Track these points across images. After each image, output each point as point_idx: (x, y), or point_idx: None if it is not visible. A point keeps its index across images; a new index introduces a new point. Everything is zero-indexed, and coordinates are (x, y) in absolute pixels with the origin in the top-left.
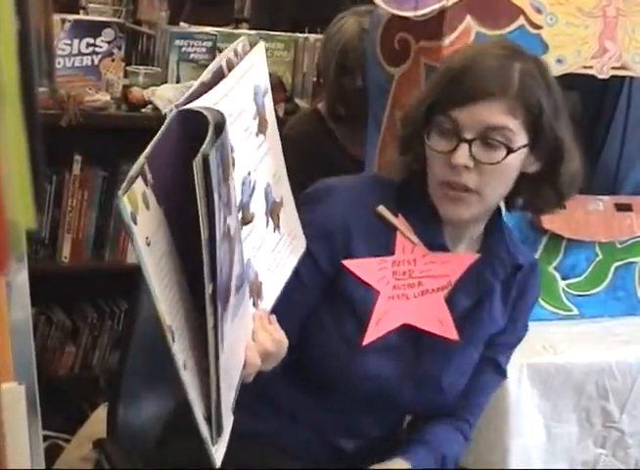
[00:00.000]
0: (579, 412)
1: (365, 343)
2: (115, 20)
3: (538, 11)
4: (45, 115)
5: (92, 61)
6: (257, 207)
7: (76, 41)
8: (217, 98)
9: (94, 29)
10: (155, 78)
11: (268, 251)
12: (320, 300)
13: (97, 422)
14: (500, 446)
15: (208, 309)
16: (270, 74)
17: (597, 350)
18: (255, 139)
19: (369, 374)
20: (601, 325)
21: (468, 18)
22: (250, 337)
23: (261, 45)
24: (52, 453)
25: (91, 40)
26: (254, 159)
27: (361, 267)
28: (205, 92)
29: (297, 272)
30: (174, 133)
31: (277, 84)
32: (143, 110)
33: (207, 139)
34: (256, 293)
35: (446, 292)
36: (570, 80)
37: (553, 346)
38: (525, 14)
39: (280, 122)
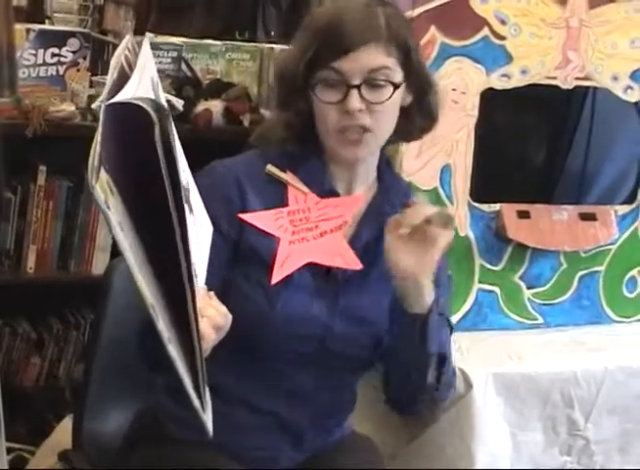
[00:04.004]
0: (545, 421)
1: (273, 281)
2: (81, 29)
3: (502, 22)
4: (10, 125)
5: (57, 71)
6: None
7: (41, 51)
8: (133, 91)
9: (59, 39)
10: None
11: (191, 233)
12: (230, 268)
13: (62, 433)
14: (466, 455)
15: (185, 276)
16: (236, 85)
17: (562, 358)
18: None
19: (293, 314)
20: (566, 334)
21: (432, 28)
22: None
23: (146, 40)
24: (17, 465)
25: (56, 50)
26: None
27: (259, 219)
28: (121, 87)
29: None
30: (109, 127)
31: (242, 94)
32: None
33: (155, 120)
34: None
35: (348, 230)
36: (534, 91)
37: (518, 355)
38: (490, 24)
39: (245, 133)
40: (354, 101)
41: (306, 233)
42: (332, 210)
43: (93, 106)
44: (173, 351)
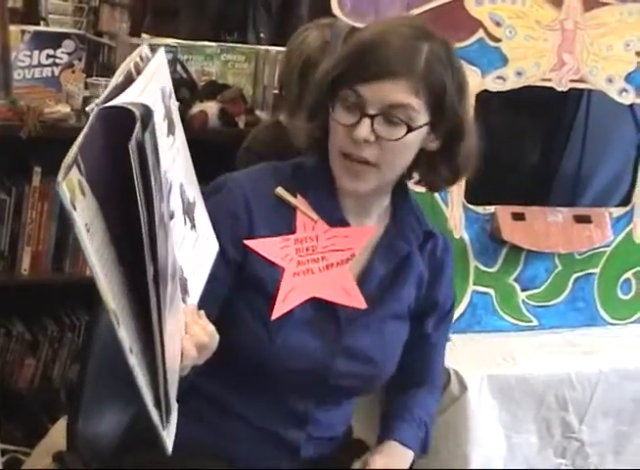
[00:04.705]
0: (539, 423)
1: (274, 317)
2: (76, 31)
3: (497, 24)
4: (4, 126)
5: (52, 72)
6: (176, 205)
7: (36, 52)
8: (133, 97)
9: (54, 40)
10: None
11: (189, 248)
12: (232, 291)
13: (57, 435)
14: (461, 457)
15: (152, 291)
16: (231, 86)
17: (557, 360)
18: (167, 140)
19: (293, 350)
20: (560, 336)
21: None
22: (183, 330)
23: (162, 50)
24: (12, 467)
25: (51, 51)
26: (168, 159)
27: (264, 246)
28: (120, 93)
29: None
30: (99, 130)
31: (238, 96)
32: None
33: (138, 125)
34: (183, 288)
35: (358, 264)
36: (529, 93)
37: (513, 357)
38: (485, 27)
39: (240, 134)
40: (363, 130)
41: (312, 264)
42: (340, 240)
43: (87, 108)
44: (134, 361)
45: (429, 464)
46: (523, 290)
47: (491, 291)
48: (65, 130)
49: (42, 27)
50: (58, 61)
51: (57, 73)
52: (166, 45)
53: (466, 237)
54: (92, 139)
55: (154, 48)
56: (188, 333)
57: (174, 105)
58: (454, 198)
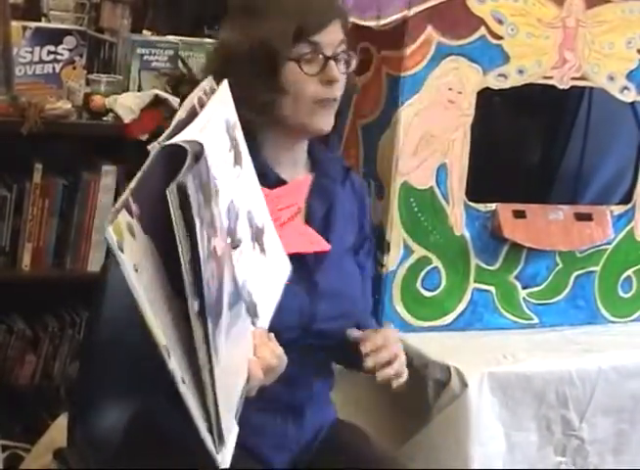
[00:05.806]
0: (539, 421)
1: None
2: (77, 27)
3: (499, 21)
4: (6, 122)
5: (53, 68)
6: (243, 232)
7: (37, 49)
8: (196, 132)
9: (55, 37)
10: (116, 87)
11: (258, 273)
12: None
13: (57, 432)
14: (461, 455)
15: (195, 324)
16: None
17: (557, 358)
18: (233, 170)
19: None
20: (561, 334)
21: (429, 28)
22: (251, 353)
23: (226, 83)
24: (12, 463)
25: (52, 48)
26: (235, 188)
27: None
28: (183, 128)
29: None
30: (158, 167)
31: None
32: (104, 118)
33: (185, 167)
34: (252, 312)
35: (302, 215)
36: (530, 90)
37: (513, 354)
38: (487, 24)
39: None
40: (335, 70)
41: None
42: (284, 198)
43: (149, 147)
44: (186, 390)
45: (428, 462)
46: (523, 288)
47: (492, 289)
48: (66, 127)
49: (43, 24)
50: (59, 57)
51: (58, 70)
52: (168, 41)
53: (467, 235)
54: (149, 176)
55: (218, 82)
56: (256, 355)
57: (240, 135)
58: (455, 195)
